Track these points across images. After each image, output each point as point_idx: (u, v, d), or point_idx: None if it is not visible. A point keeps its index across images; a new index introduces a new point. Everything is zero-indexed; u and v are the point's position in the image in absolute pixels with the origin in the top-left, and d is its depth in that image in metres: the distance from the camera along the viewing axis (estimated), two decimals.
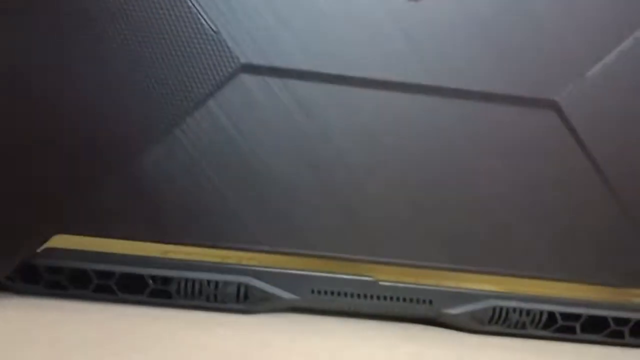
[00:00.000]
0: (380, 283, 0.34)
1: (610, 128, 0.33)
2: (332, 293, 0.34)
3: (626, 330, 0.36)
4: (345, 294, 0.34)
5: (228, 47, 0.31)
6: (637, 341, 0.37)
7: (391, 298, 0.34)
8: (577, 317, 0.36)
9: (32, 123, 0.30)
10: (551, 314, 0.36)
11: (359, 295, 0.34)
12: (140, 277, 0.33)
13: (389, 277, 0.35)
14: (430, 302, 0.35)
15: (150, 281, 0.33)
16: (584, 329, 0.36)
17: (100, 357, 0.26)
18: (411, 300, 0.34)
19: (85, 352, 0.26)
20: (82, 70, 0.31)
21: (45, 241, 0.32)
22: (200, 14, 0.30)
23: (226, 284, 0.33)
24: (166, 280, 0.33)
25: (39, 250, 0.32)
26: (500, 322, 0.35)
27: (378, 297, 0.34)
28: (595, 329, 0.36)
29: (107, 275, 0.32)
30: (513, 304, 0.35)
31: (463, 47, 0.32)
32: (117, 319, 0.31)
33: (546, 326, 0.36)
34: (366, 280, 0.34)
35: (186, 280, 0.33)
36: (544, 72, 0.33)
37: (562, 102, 0.33)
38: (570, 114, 0.33)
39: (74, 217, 0.31)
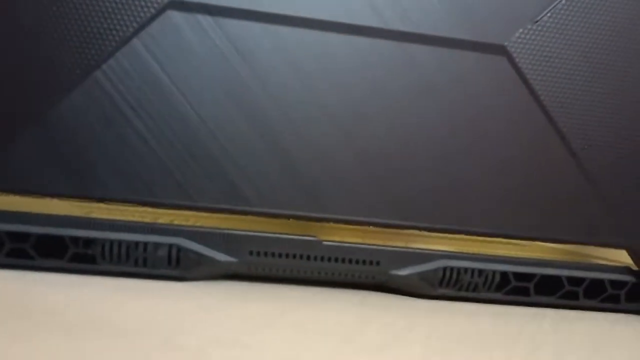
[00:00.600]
0: (325, 243, 0.32)
1: (560, 74, 0.32)
2: (273, 254, 0.31)
3: (580, 290, 0.35)
4: (287, 255, 0.32)
5: None
6: (591, 302, 0.35)
7: (336, 259, 0.32)
8: (530, 277, 0.34)
9: None
10: (504, 275, 0.34)
11: (301, 257, 0.32)
12: (60, 240, 0.29)
13: (334, 236, 0.33)
14: (378, 263, 0.32)
15: (71, 244, 0.30)
16: (537, 291, 0.35)
17: (14, 329, 0.23)
18: (357, 261, 0.32)
19: None
20: None
21: None
22: None
23: (156, 246, 0.30)
24: (89, 242, 0.30)
25: None
26: (451, 283, 0.33)
27: (322, 258, 0.32)
28: (549, 290, 0.35)
29: (22, 237, 0.29)
30: (464, 264, 0.33)
31: None
32: (34, 286, 0.28)
33: (499, 288, 0.34)
34: (309, 240, 0.32)
35: (111, 242, 0.30)
36: (493, 16, 0.31)
37: (510, 47, 0.31)
38: (519, 59, 0.32)
39: None
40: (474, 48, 0.31)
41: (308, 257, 0.32)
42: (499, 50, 0.31)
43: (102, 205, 0.31)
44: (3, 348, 0.20)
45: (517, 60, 0.31)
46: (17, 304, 0.25)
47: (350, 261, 0.32)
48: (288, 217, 0.31)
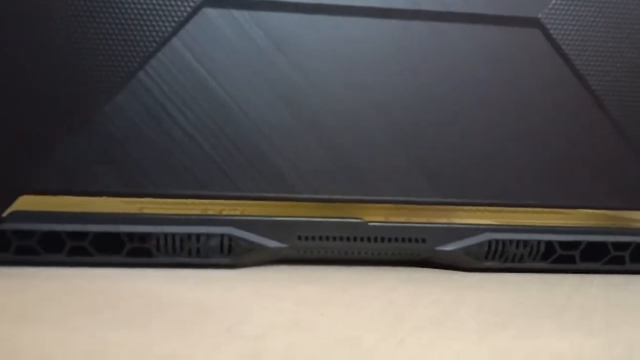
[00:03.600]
0: (370, 224, 0.33)
1: (595, 42, 0.32)
2: (320, 238, 0.32)
3: (626, 255, 0.35)
4: (334, 238, 0.32)
5: None
6: (638, 266, 0.35)
7: (382, 239, 0.33)
8: (576, 245, 0.35)
9: None
10: (549, 244, 0.34)
11: (348, 238, 0.32)
12: (116, 236, 0.31)
13: (379, 217, 0.33)
14: (424, 240, 0.33)
15: (127, 239, 0.31)
16: (583, 258, 0.35)
17: (82, 323, 0.24)
18: (403, 239, 0.33)
19: (63, 321, 0.24)
20: (37, 23, 0.28)
21: (10, 204, 0.30)
22: None
23: (208, 236, 0.31)
24: (144, 237, 0.31)
25: (4, 215, 0.30)
26: (497, 256, 0.34)
27: (369, 239, 0.33)
28: (594, 257, 0.35)
29: (81, 236, 0.30)
30: (509, 236, 0.34)
31: None
32: (95, 282, 0.29)
33: (545, 257, 0.35)
34: (355, 222, 0.33)
35: (165, 235, 0.31)
36: None
37: (544, 18, 0.31)
38: (553, 31, 0.31)
39: (40, 176, 0.29)
40: (507, 23, 0.31)
41: (354, 239, 0.33)
42: (533, 23, 0.31)
43: (152, 200, 0.32)
44: (77, 342, 0.21)
45: (551, 31, 0.31)
46: (82, 299, 0.26)
47: (396, 240, 0.33)
48: (333, 201, 0.32)
